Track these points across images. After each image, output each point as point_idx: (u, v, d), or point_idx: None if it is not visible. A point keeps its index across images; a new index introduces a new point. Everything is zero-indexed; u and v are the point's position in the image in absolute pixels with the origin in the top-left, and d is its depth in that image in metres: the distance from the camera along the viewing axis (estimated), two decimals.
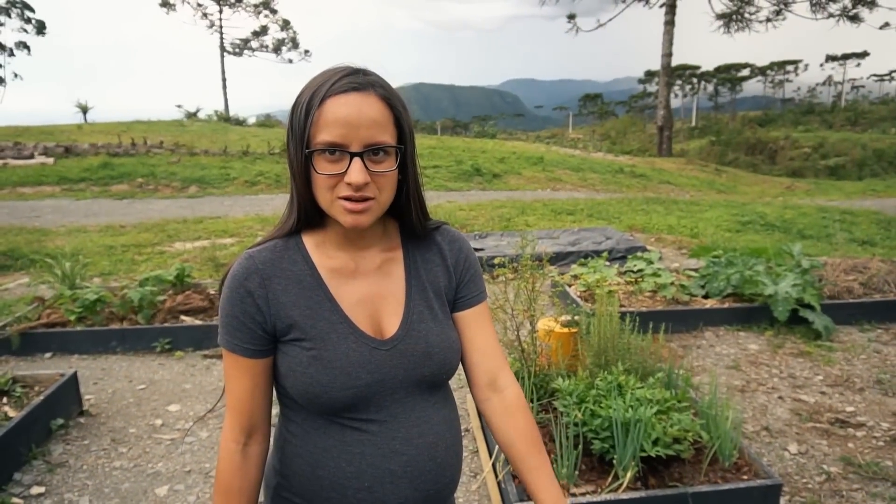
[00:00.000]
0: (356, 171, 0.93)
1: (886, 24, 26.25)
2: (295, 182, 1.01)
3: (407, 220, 1.10)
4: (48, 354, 4.31)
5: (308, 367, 0.99)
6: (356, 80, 0.95)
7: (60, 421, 3.24)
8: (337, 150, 0.93)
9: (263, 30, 44.04)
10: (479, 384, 1.16)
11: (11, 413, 3.06)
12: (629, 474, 2.35)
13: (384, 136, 0.95)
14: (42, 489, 2.75)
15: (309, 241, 1.06)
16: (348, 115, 0.92)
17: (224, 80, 41.98)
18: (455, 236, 1.17)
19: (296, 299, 1.01)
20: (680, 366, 3.82)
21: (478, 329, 1.15)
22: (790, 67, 79.27)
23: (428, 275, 1.12)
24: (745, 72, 73.00)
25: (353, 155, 0.93)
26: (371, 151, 0.95)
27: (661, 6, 24.60)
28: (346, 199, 0.95)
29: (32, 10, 42.53)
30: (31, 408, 3.03)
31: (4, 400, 3.22)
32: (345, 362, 0.99)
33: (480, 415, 1.19)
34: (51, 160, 14.84)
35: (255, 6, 43.04)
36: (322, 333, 1.00)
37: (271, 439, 1.13)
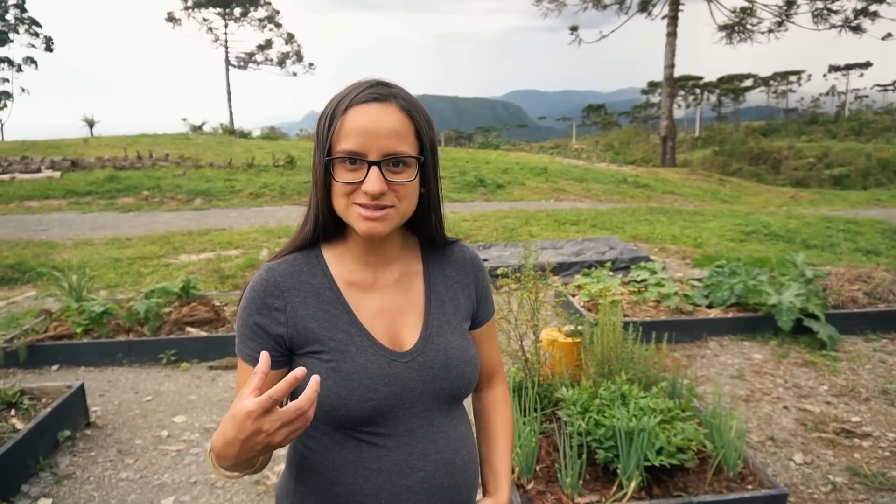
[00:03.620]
0: (372, 180, 0.94)
1: (889, 35, 26.35)
2: (315, 190, 1.02)
3: (426, 232, 1.10)
4: (55, 367, 4.34)
5: (326, 380, 0.97)
6: (378, 91, 0.96)
7: (67, 433, 3.26)
8: (356, 158, 0.94)
9: (268, 43, 44.47)
10: (478, 381, 1.23)
11: (19, 425, 3.09)
12: (633, 484, 2.35)
13: (403, 147, 0.95)
14: (49, 501, 2.77)
15: (328, 254, 1.07)
16: (367, 124, 0.93)
17: (229, 93, 42.33)
18: (473, 255, 1.19)
19: (314, 311, 1.02)
20: (684, 375, 3.82)
21: (486, 343, 1.21)
22: (793, 78, 79.50)
23: (447, 291, 1.12)
24: (748, 82, 73.27)
25: (370, 164, 0.94)
26: (390, 161, 0.95)
27: (663, 18, 24.77)
28: (363, 205, 0.96)
29: (40, 26, 43.01)
30: (38, 420, 3.05)
31: (12, 412, 3.25)
32: (363, 374, 0.99)
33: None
34: (57, 174, 14.97)
35: (260, 20, 43.51)
36: (340, 345, 1.00)
37: (285, 461, 1.13)
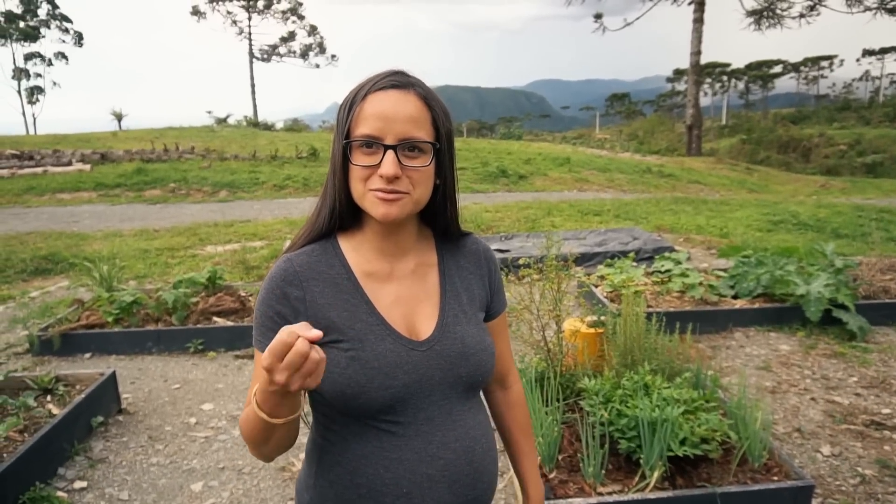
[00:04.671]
0: (388, 163, 0.95)
1: None
2: (334, 177, 1.04)
3: (441, 223, 1.12)
4: (87, 355, 4.46)
5: (346, 368, 0.99)
6: (397, 78, 0.99)
7: (100, 418, 3.36)
8: (373, 142, 0.96)
9: (291, 35, 44.72)
10: (491, 380, 1.25)
11: (55, 410, 3.19)
12: (656, 474, 2.35)
13: (419, 133, 0.98)
14: (84, 483, 2.86)
15: (345, 244, 1.08)
16: (385, 109, 0.96)
17: (253, 85, 42.71)
18: (486, 247, 1.20)
19: (333, 301, 1.03)
20: (708, 366, 3.79)
21: (498, 339, 1.22)
22: (825, 63, 77.39)
23: (462, 281, 1.14)
24: (778, 68, 71.56)
25: (386, 147, 0.96)
26: (406, 147, 0.97)
27: (689, 4, 24.27)
28: (378, 190, 0.97)
29: (70, 21, 43.79)
30: (73, 406, 3.15)
31: (48, 398, 3.36)
32: (382, 362, 1.00)
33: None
34: (88, 167, 15.28)
35: (283, 13, 43.73)
36: (359, 334, 1.01)
37: (303, 455, 1.14)
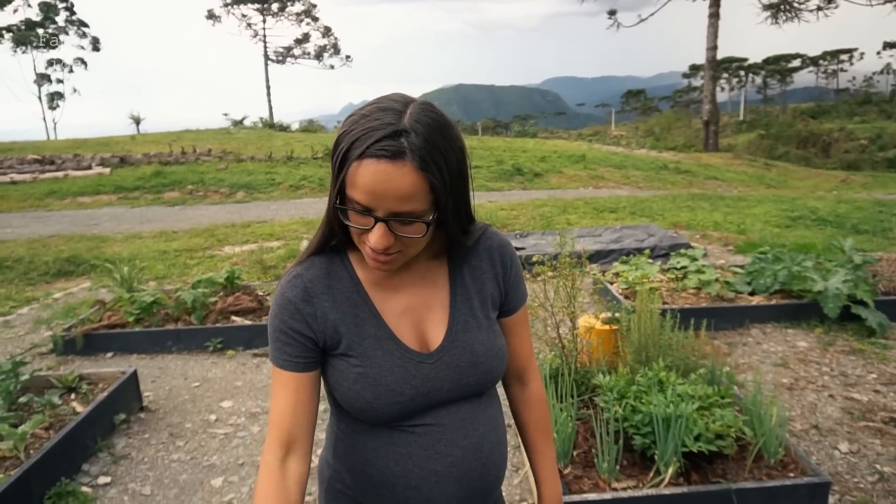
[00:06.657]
0: (376, 237, 0.93)
1: None
2: (329, 210, 1.02)
3: (451, 235, 1.07)
4: (109, 354, 4.55)
5: (354, 384, 1.02)
6: (393, 145, 0.88)
7: (123, 416, 3.43)
8: (363, 210, 0.92)
9: (305, 37, 45.03)
10: (508, 376, 1.25)
11: (79, 408, 3.26)
12: (671, 470, 2.35)
13: (412, 206, 0.91)
14: (108, 479, 2.93)
15: (354, 256, 1.08)
16: (376, 185, 0.89)
17: (268, 87, 43.07)
18: (501, 241, 1.15)
19: (343, 315, 1.03)
20: (724, 363, 3.77)
21: (517, 332, 1.19)
22: (844, 56, 76.18)
23: (474, 282, 1.11)
24: (796, 62, 70.61)
25: (377, 220, 0.92)
26: (397, 221, 0.93)
27: None
28: (371, 250, 0.96)
29: (88, 27, 44.41)
30: (96, 403, 3.22)
31: (72, 396, 3.44)
32: (390, 379, 1.01)
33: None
34: (107, 170, 15.53)
35: (297, 15, 44.04)
36: (368, 350, 1.03)
37: (320, 451, 1.18)
